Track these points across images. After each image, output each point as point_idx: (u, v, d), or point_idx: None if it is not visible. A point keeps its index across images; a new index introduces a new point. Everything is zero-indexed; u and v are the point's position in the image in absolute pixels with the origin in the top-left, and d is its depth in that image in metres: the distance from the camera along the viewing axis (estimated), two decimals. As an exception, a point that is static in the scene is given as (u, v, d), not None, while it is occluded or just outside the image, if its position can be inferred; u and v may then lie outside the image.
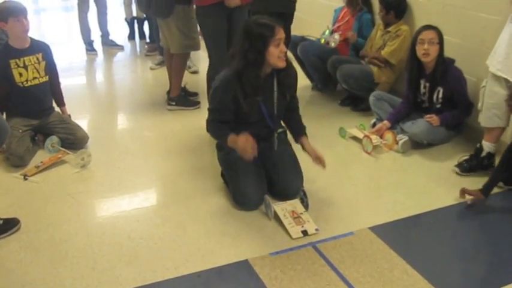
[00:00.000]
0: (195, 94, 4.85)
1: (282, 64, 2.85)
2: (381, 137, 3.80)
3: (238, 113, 2.96)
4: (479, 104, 3.42)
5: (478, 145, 3.47)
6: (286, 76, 2.98)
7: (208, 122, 3.07)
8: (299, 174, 3.16)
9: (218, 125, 3.01)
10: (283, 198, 3.06)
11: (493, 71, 3.21)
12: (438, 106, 3.72)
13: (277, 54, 2.79)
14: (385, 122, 3.88)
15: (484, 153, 3.42)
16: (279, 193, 3.10)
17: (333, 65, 4.51)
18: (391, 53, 4.24)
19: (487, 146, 3.41)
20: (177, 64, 4.51)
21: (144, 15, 6.69)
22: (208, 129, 3.19)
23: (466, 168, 3.42)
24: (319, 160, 3.07)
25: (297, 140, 3.22)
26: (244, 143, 2.87)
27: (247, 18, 2.87)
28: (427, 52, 3.55)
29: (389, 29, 4.34)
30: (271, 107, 3.03)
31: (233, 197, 3.07)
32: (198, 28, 4.31)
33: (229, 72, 2.90)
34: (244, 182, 3.01)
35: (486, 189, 3.03)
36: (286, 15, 4.30)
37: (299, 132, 3.20)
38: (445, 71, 3.60)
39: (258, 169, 3.11)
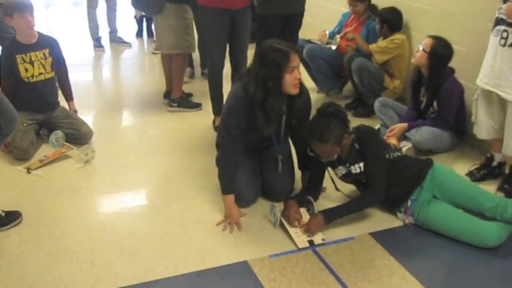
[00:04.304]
0: (190, 95, 4.80)
1: (295, 91, 2.76)
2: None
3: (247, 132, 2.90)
4: (473, 117, 3.39)
5: (488, 154, 3.45)
6: (298, 101, 2.87)
7: (218, 145, 2.93)
8: (289, 175, 3.16)
9: (229, 159, 2.91)
10: (270, 198, 3.08)
11: (481, 85, 3.19)
12: (433, 116, 3.71)
13: (291, 81, 2.70)
14: (404, 124, 3.77)
15: (495, 163, 3.41)
16: (266, 192, 3.12)
17: (350, 58, 4.44)
18: (378, 48, 4.29)
19: (497, 156, 3.39)
20: (177, 65, 4.43)
21: None
22: (216, 159, 2.98)
23: (477, 177, 3.40)
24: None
25: (299, 168, 3.26)
26: (230, 215, 2.90)
27: (263, 42, 2.80)
28: (414, 55, 3.65)
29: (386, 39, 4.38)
30: (278, 129, 2.99)
31: None
32: (195, 30, 4.27)
33: (241, 94, 2.79)
34: (237, 180, 2.97)
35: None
36: (295, 17, 4.30)
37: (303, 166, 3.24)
38: (441, 81, 3.60)
39: (252, 166, 3.11)
